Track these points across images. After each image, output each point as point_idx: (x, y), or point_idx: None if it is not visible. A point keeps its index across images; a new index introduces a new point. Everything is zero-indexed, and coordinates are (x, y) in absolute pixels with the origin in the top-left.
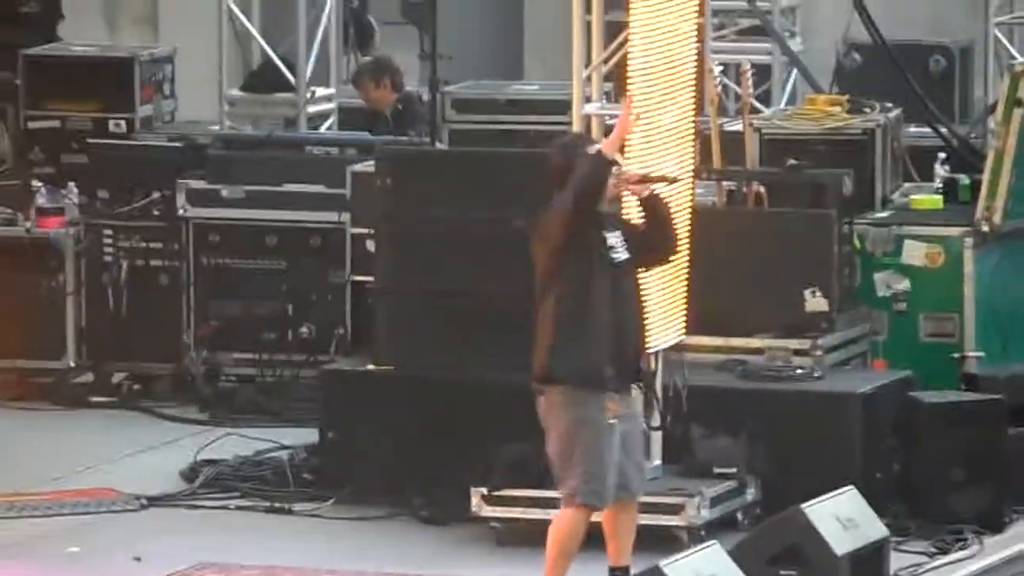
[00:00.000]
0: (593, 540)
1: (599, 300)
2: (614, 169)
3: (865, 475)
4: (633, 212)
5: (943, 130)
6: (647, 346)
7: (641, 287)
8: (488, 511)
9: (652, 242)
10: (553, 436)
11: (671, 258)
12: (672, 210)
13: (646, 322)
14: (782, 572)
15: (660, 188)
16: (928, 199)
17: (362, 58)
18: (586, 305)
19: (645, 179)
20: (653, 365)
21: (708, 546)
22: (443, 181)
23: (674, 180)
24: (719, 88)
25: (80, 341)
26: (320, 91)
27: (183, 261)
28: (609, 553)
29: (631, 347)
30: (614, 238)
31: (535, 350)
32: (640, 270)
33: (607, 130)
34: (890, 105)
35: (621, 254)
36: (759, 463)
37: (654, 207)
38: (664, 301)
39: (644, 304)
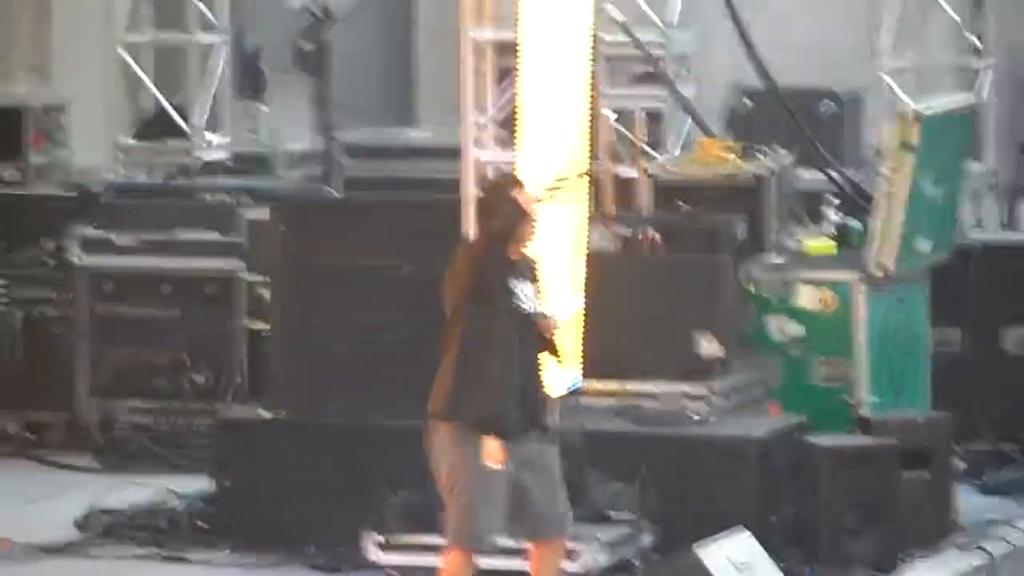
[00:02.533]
0: None
1: (504, 345)
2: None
3: (760, 518)
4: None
5: (834, 174)
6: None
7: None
8: (383, 558)
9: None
10: (440, 469)
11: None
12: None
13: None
14: None
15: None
16: (821, 244)
17: (255, 105)
18: (490, 349)
19: (551, 345)
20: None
21: None
22: (338, 228)
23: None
24: (612, 134)
25: None
26: (214, 138)
27: (77, 309)
28: None
29: (535, 394)
30: (523, 288)
31: (434, 386)
32: None
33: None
34: (782, 150)
35: (528, 305)
36: (654, 508)
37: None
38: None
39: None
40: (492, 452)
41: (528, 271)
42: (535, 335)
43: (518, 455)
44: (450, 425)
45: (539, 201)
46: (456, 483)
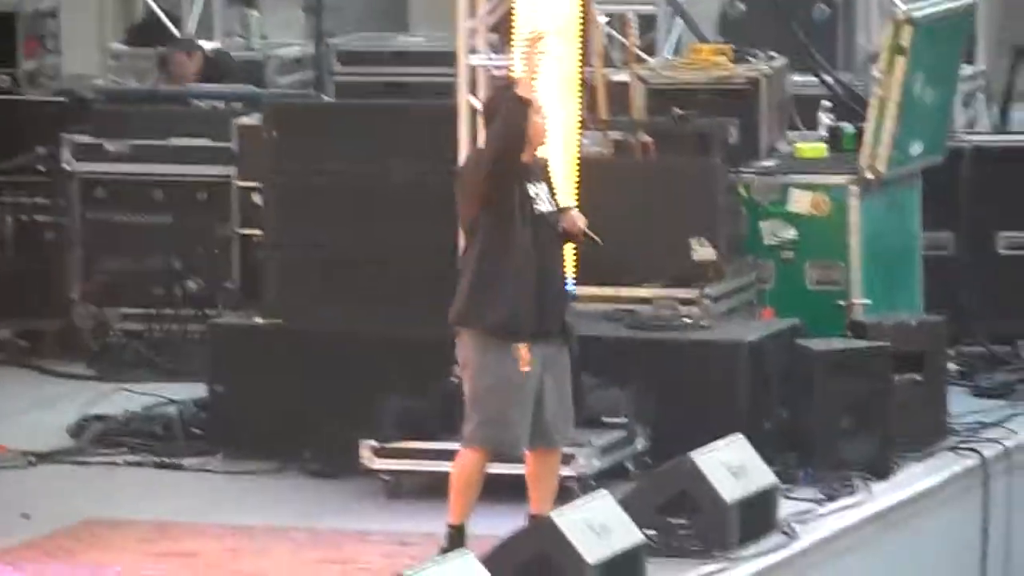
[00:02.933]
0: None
1: (520, 250)
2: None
3: (753, 423)
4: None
5: (827, 78)
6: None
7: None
8: (378, 464)
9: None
10: (466, 377)
11: None
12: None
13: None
14: (672, 520)
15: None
16: (813, 147)
17: (247, 10)
18: (506, 254)
19: (583, 233)
20: None
21: (598, 495)
22: (330, 134)
23: (598, 243)
24: (604, 38)
25: None
26: (205, 45)
27: (69, 216)
28: (530, 501)
29: (554, 297)
30: (537, 189)
31: (456, 293)
32: None
33: (494, 82)
34: (774, 54)
35: (544, 205)
36: (648, 412)
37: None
38: None
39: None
40: (521, 356)
41: (541, 172)
42: (553, 235)
43: (540, 358)
44: (471, 332)
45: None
46: (480, 388)
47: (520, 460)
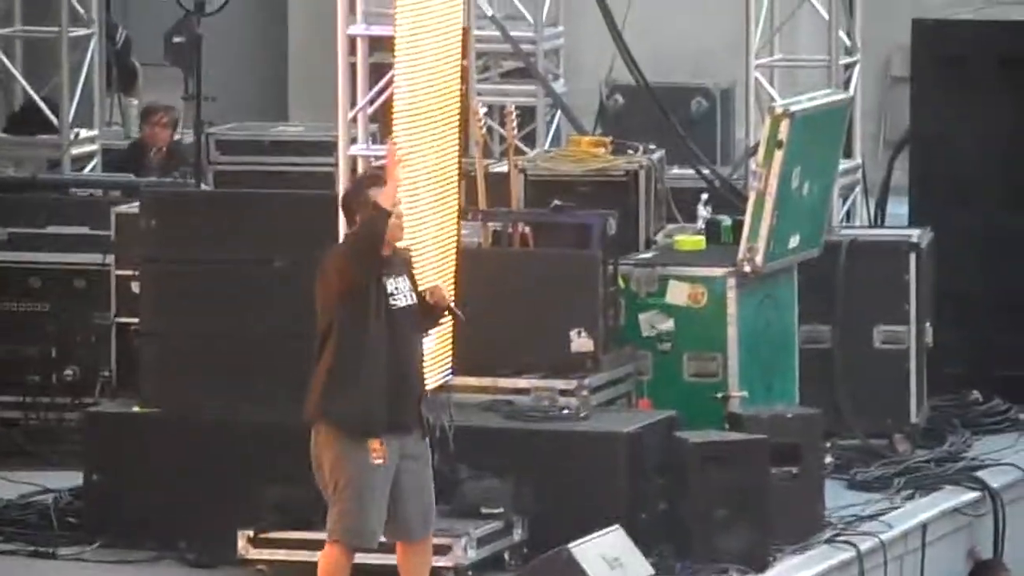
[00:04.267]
0: None
1: (375, 346)
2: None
3: (631, 514)
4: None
5: (705, 171)
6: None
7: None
8: (255, 553)
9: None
10: (323, 472)
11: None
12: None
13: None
14: None
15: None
16: (691, 240)
17: (126, 99)
18: (360, 350)
19: (449, 309)
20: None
21: None
22: (207, 222)
23: (462, 318)
24: (484, 129)
25: None
26: (83, 132)
27: None
28: None
29: (409, 391)
30: (397, 284)
31: (311, 387)
32: None
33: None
34: (653, 147)
35: (402, 300)
36: (526, 503)
37: (432, 313)
38: (430, 342)
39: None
40: (374, 450)
41: (402, 265)
42: (409, 330)
43: (396, 451)
44: (326, 427)
45: (400, 197)
46: (338, 482)
47: (373, 550)
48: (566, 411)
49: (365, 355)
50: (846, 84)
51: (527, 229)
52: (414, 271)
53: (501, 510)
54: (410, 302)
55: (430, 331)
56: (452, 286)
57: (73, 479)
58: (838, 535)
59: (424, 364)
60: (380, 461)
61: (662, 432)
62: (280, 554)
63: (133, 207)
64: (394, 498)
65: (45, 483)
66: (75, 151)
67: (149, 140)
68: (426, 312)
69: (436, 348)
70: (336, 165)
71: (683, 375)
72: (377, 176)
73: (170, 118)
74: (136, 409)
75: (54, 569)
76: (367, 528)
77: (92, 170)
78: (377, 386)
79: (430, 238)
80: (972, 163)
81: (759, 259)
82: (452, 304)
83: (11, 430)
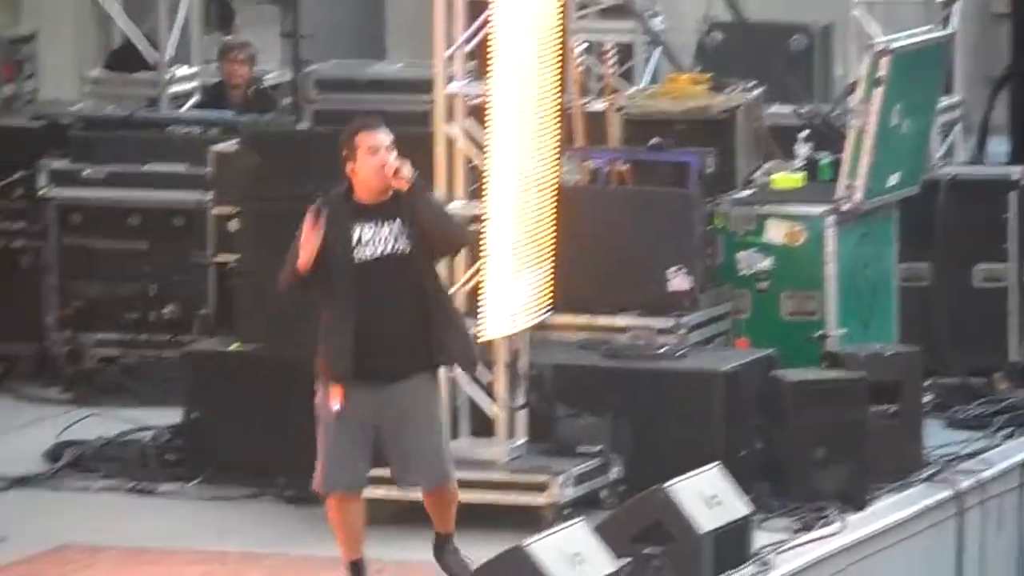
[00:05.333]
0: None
1: (342, 299)
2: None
3: (728, 453)
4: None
5: (804, 109)
6: (431, 337)
7: (427, 276)
8: None
9: (426, 236)
10: None
11: (448, 252)
12: (434, 203)
13: (436, 312)
14: (646, 550)
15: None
16: (790, 178)
17: (223, 37)
18: (328, 306)
19: (399, 172)
20: (518, 344)
21: (573, 524)
22: (306, 160)
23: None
24: (582, 67)
25: None
26: (181, 70)
27: (46, 241)
28: (434, 524)
29: (383, 341)
30: (375, 232)
31: None
32: (433, 259)
33: (471, 110)
34: (752, 84)
35: (373, 251)
36: (623, 441)
37: (412, 200)
38: (530, 280)
39: (428, 294)
40: (331, 396)
41: (393, 209)
42: (384, 280)
43: (377, 401)
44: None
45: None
46: (319, 430)
47: (348, 494)
48: (663, 350)
49: (332, 310)
50: (946, 21)
51: (625, 167)
52: (423, 202)
53: (598, 449)
54: (390, 250)
55: (431, 235)
56: (552, 224)
57: (172, 416)
58: (936, 474)
59: (427, 309)
60: (336, 407)
61: (760, 371)
62: (378, 491)
63: (231, 145)
64: (401, 452)
65: (144, 420)
66: (173, 89)
67: (227, 77)
68: (427, 232)
69: (535, 286)
70: (433, 103)
71: (781, 314)
72: (367, 123)
73: (246, 54)
74: (234, 347)
75: (153, 506)
76: (328, 475)
77: (190, 108)
78: (342, 338)
79: (530, 176)
80: None
81: (858, 197)
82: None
83: (110, 368)
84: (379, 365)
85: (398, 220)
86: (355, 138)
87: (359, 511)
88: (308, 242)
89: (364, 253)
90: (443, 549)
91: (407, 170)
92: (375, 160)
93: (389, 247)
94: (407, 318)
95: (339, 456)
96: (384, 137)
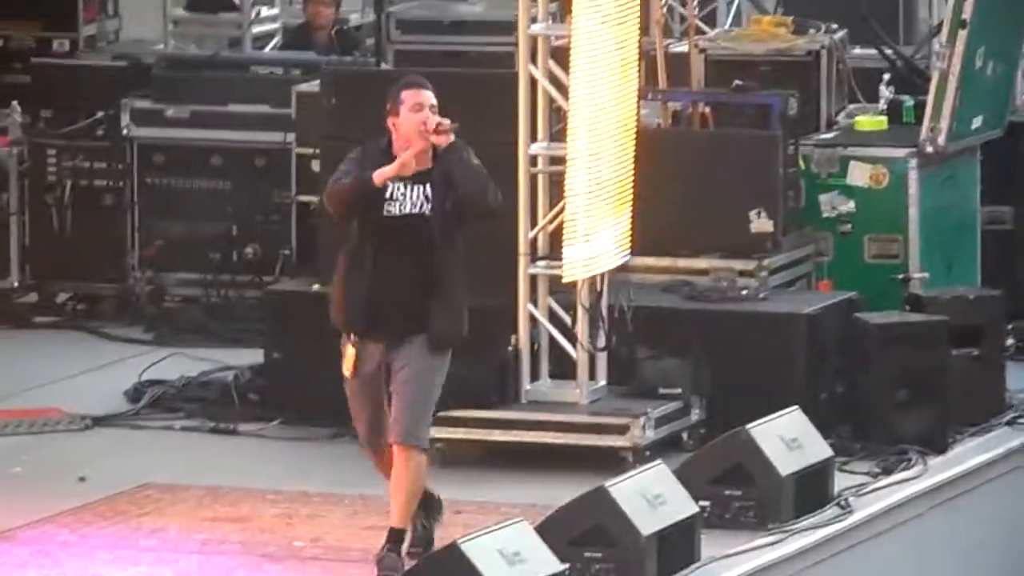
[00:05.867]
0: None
1: (362, 249)
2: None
3: (810, 396)
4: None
5: (888, 51)
6: (445, 299)
7: (442, 245)
8: (433, 432)
9: (456, 195)
10: None
11: (480, 215)
12: (470, 166)
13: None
14: (727, 492)
15: (451, 141)
16: (873, 120)
17: None
18: (350, 257)
19: (439, 128)
20: (599, 286)
21: (653, 466)
22: (387, 101)
23: (456, 127)
24: (664, 9)
25: (24, 261)
26: (264, 11)
27: (127, 181)
28: (390, 512)
29: (395, 298)
30: (409, 190)
31: None
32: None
33: (553, 52)
34: (835, 26)
35: (401, 208)
36: (704, 383)
37: (449, 158)
38: (611, 222)
39: (436, 262)
40: (347, 356)
41: (422, 174)
42: (407, 236)
43: (387, 355)
44: None
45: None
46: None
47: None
48: (745, 292)
49: (353, 261)
50: None
51: (707, 109)
52: (460, 161)
53: (679, 390)
54: (417, 211)
55: (462, 194)
56: (633, 166)
57: (253, 357)
58: (1018, 418)
59: (433, 276)
60: (347, 369)
61: (842, 313)
62: (459, 432)
63: (313, 86)
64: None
65: (226, 360)
66: (256, 29)
67: (312, 18)
68: (458, 192)
69: (616, 228)
70: (516, 45)
71: (863, 256)
72: (415, 82)
73: None
74: (315, 287)
75: (235, 445)
76: (359, 429)
77: (273, 48)
78: (357, 289)
79: (612, 118)
80: None
81: (941, 139)
82: (440, 122)
83: (191, 308)
84: (391, 320)
85: (429, 184)
86: (401, 93)
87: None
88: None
89: (392, 208)
90: (384, 545)
91: (448, 125)
92: (418, 117)
93: (416, 208)
94: (418, 280)
95: (359, 411)
96: (430, 96)
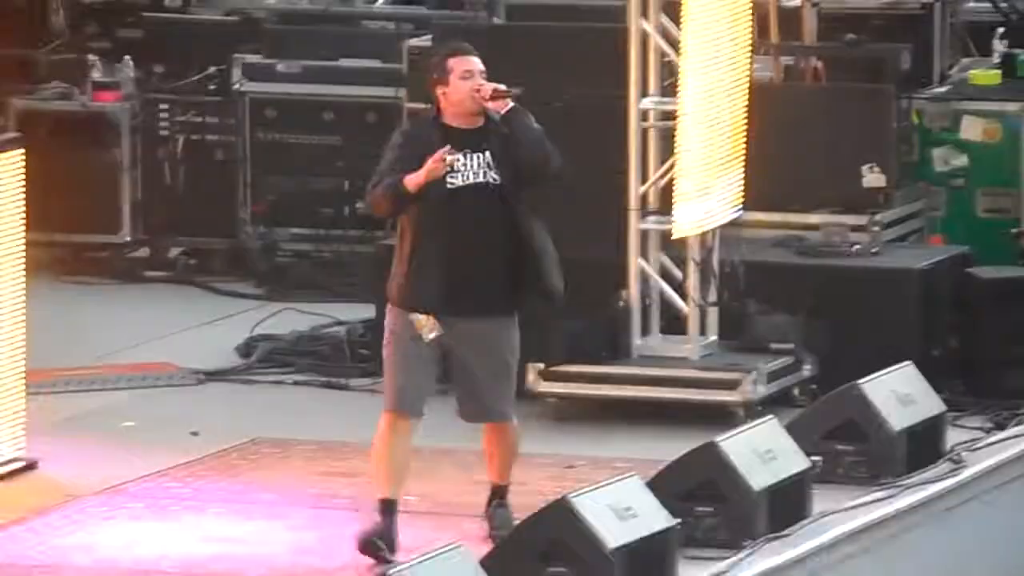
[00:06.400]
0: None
1: (428, 227)
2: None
3: (922, 351)
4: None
5: (1002, 4)
6: (524, 271)
7: (518, 210)
8: (545, 387)
9: (518, 160)
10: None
11: (543, 179)
12: (532, 129)
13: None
14: (838, 447)
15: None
16: (986, 74)
17: None
18: (415, 232)
19: (496, 94)
20: (709, 241)
21: (764, 421)
22: (500, 55)
23: (516, 94)
24: None
25: (136, 216)
26: None
27: (239, 136)
28: (488, 472)
29: (470, 273)
30: (465, 160)
31: None
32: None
33: (665, 6)
34: None
35: (463, 179)
36: (816, 339)
37: (509, 123)
38: (722, 177)
39: (518, 230)
40: (418, 325)
41: (484, 137)
42: (475, 209)
43: (455, 331)
44: (389, 304)
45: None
46: (384, 352)
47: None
48: (857, 247)
49: (418, 236)
50: None
51: (819, 63)
52: (521, 125)
53: (791, 346)
54: (482, 179)
55: (523, 159)
56: (744, 121)
57: (364, 312)
58: None
59: (515, 245)
60: (429, 334)
61: (955, 268)
62: (570, 388)
63: (425, 40)
64: (468, 388)
65: (337, 315)
66: None
67: None
68: (510, 138)
69: (727, 183)
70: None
71: (976, 211)
72: (460, 49)
73: None
74: None
75: (346, 400)
76: (395, 395)
77: (384, 2)
78: (431, 269)
79: (723, 73)
80: None
81: None
82: (498, 88)
83: (304, 262)
84: (463, 298)
85: (488, 152)
86: (447, 61)
87: (408, 442)
88: (435, 165)
89: (456, 180)
90: (491, 502)
91: (505, 90)
92: (469, 84)
93: (481, 176)
94: (496, 253)
95: (406, 380)
96: (478, 62)
